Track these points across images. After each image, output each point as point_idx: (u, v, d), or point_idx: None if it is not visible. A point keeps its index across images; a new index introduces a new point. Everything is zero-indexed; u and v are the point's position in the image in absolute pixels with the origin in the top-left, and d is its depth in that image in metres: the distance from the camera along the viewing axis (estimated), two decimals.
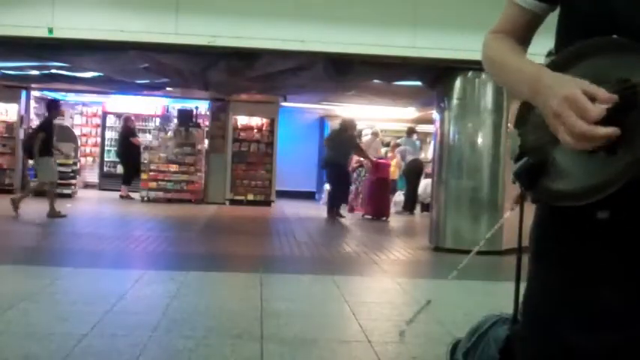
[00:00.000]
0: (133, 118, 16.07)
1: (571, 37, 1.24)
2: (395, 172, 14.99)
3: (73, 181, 15.02)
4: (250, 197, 15.27)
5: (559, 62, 1.21)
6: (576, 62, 1.17)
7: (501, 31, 1.43)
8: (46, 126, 10.96)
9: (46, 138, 10.64)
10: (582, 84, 1.11)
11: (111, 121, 17.62)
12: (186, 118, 15.95)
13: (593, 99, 1.08)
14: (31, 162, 12.26)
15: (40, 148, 10.52)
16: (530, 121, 1.26)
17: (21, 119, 15.27)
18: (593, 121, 1.07)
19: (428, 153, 14.94)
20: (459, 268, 4.77)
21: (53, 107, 11.44)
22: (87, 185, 17.24)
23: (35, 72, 11.90)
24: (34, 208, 11.04)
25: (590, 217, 1.16)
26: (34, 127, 12.63)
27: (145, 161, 15.02)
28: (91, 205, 14.21)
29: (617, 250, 1.15)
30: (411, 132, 15.19)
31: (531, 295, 1.29)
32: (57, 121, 16.28)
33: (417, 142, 15.43)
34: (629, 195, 1.11)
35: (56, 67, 11.02)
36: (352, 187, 14.75)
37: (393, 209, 14.60)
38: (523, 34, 1.42)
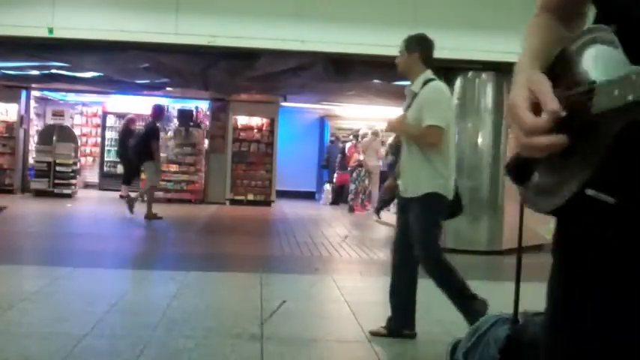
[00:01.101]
0: (135, 119, 16.08)
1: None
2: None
3: (73, 181, 15.02)
4: (250, 197, 15.27)
5: (558, 56, 1.08)
6: (569, 57, 1.05)
7: (545, 6, 1.20)
8: (154, 131, 11.32)
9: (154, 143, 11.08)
10: (537, 86, 1.01)
11: (111, 121, 17.61)
12: (186, 118, 15.95)
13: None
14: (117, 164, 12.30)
15: (146, 152, 10.93)
16: None
17: (21, 119, 15.27)
18: (529, 134, 0.99)
19: None
20: None
21: (159, 112, 11.73)
22: (87, 185, 17.24)
23: (35, 72, 11.91)
24: (34, 209, 11.03)
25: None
26: (139, 132, 12.85)
27: None
28: (91, 205, 14.21)
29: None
30: None
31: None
32: (57, 122, 16.43)
33: None
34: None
35: (56, 67, 11.03)
36: (352, 187, 14.78)
37: (392, 209, 14.62)
38: (571, 8, 1.18)
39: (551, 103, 0.98)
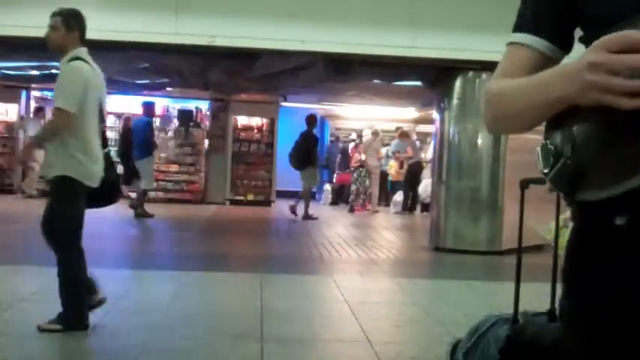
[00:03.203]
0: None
1: None
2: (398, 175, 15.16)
3: None
4: (250, 197, 15.27)
5: None
6: None
7: (505, 76, 1.16)
8: (314, 139, 12.46)
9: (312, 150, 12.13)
10: (619, 37, 0.94)
11: (111, 121, 17.58)
12: (186, 118, 15.95)
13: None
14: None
15: (307, 159, 11.98)
16: (561, 129, 1.07)
17: (21, 119, 15.26)
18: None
19: (428, 153, 14.99)
20: None
21: (313, 121, 12.75)
22: None
23: (35, 72, 11.91)
24: (34, 209, 11.01)
25: (607, 225, 1.01)
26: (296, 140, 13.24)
27: None
28: None
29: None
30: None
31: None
32: None
33: (418, 143, 15.62)
34: None
35: (56, 67, 10.99)
36: (353, 188, 14.79)
37: (392, 209, 14.63)
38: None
39: None
